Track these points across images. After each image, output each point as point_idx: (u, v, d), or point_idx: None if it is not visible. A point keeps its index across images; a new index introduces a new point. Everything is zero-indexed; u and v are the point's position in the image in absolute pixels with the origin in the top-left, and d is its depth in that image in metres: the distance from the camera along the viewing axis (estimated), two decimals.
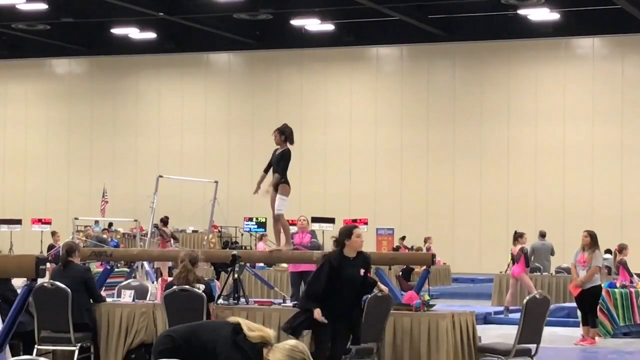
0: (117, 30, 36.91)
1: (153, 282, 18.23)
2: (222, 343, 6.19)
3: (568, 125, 34.59)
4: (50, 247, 28.99)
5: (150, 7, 33.17)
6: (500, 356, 11.09)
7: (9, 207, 38.62)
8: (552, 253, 25.23)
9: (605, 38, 34.65)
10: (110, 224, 32.08)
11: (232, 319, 6.35)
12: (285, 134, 13.28)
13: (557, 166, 34.51)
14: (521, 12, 32.94)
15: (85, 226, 30.82)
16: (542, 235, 25.74)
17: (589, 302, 16.31)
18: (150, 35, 37.28)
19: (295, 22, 34.90)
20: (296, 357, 6.02)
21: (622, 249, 19.58)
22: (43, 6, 33.33)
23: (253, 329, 6.10)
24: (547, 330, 11.71)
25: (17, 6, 33.29)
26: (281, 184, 13.20)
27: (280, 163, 13.30)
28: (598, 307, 16.60)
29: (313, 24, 35.14)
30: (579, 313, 16.68)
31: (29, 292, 8.13)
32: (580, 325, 16.58)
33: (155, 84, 39.40)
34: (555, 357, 14.81)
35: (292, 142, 13.28)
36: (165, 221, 26.40)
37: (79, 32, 37.70)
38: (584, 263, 16.16)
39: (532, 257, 24.69)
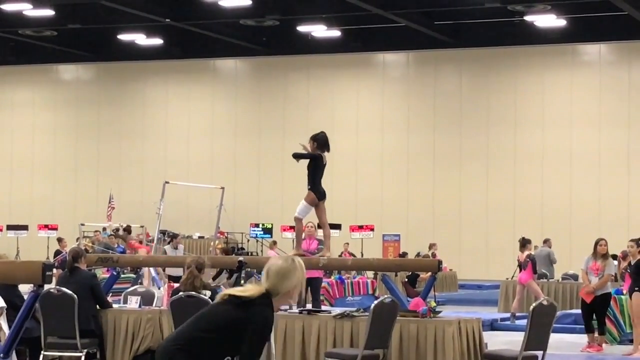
0: (123, 37, 36.96)
1: (159, 288, 18.22)
2: (239, 315, 5.93)
3: (575, 131, 34.56)
4: (57, 253, 29.01)
5: (156, 14, 33.21)
6: None
7: (16, 212, 38.68)
8: (553, 261, 25.21)
9: (612, 44, 34.62)
10: (117, 229, 32.01)
11: (220, 295, 6.15)
12: (317, 141, 13.05)
13: (564, 172, 34.47)
14: (528, 18, 32.92)
15: (95, 231, 30.82)
16: (544, 241, 25.77)
17: (599, 309, 16.31)
18: (157, 41, 37.33)
19: (302, 28, 34.92)
20: (289, 266, 6.01)
21: (626, 255, 19.55)
22: (50, 12, 33.39)
23: (248, 289, 6.03)
24: (554, 337, 11.69)
25: (24, 12, 33.35)
26: (308, 190, 13.12)
27: (308, 169, 13.13)
28: None
29: (319, 30, 35.15)
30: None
31: (35, 298, 8.13)
32: (586, 332, 16.56)
33: (162, 90, 39.44)
34: None
35: (322, 149, 12.97)
36: (128, 230, 26.52)
37: (86, 38, 37.77)
38: (596, 270, 16.17)
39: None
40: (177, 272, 20.67)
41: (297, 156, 13.14)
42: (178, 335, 6.00)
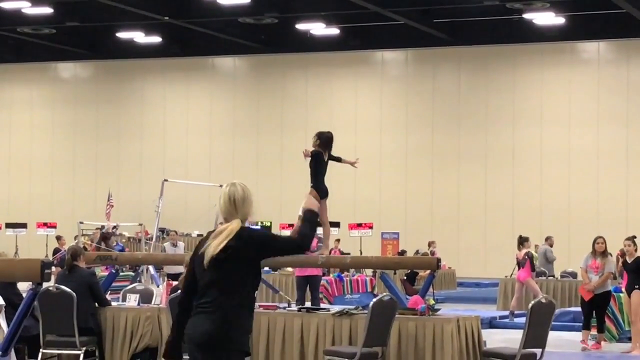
0: (122, 34, 36.94)
1: (158, 286, 18.22)
2: (246, 255, 6.32)
3: (573, 129, 34.56)
4: (56, 251, 29.00)
5: (155, 11, 33.19)
6: None
7: (15, 210, 38.66)
8: (550, 260, 25.25)
9: (611, 42, 34.62)
10: (115, 227, 32.01)
11: (209, 261, 6.34)
12: (320, 139, 13.05)
13: (562, 170, 34.48)
14: (526, 16, 32.92)
15: (97, 228, 30.78)
16: (546, 239, 25.82)
17: (599, 307, 16.32)
18: (156, 39, 37.31)
19: (301, 26, 34.91)
20: (244, 190, 6.52)
21: (624, 253, 19.55)
22: (48, 10, 33.37)
23: (225, 237, 6.30)
24: (553, 335, 11.70)
25: (22, 10, 33.33)
26: (311, 188, 13.10)
27: (310, 167, 13.13)
28: None
29: (318, 28, 35.14)
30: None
31: (34, 296, 8.14)
32: (582, 329, 16.56)
33: (160, 88, 39.43)
34: None
35: (324, 149, 12.98)
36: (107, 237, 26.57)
37: (85, 36, 37.75)
38: (596, 269, 16.18)
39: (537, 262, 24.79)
40: (176, 270, 20.68)
41: (312, 174, 13.08)
42: (220, 310, 6.22)
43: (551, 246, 26.32)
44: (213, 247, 6.28)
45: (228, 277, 6.28)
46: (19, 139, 40.66)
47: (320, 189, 13.10)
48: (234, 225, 6.33)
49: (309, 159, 12.93)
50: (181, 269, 20.79)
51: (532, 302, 11.34)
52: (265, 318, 11.45)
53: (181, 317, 6.45)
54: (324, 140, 13.14)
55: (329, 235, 13.78)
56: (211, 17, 34.02)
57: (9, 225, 35.31)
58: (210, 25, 34.99)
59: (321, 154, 13.10)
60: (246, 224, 6.47)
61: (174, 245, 22.90)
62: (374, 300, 10.95)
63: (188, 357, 6.41)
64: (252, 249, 6.30)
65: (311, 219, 6.48)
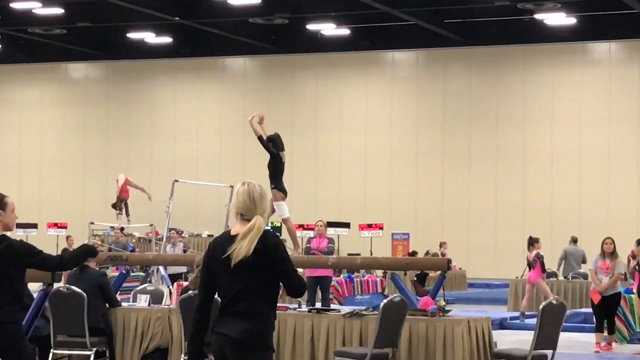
0: (133, 35, 36.98)
1: (169, 287, 18.22)
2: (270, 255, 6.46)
3: (584, 130, 34.48)
4: (64, 251, 29.02)
5: (166, 12, 33.22)
6: None
7: (25, 211, 38.62)
8: (584, 261, 25.10)
9: (622, 43, 34.53)
10: (122, 228, 32.03)
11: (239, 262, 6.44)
12: (272, 142, 13.82)
13: (573, 171, 34.40)
14: (537, 16, 32.86)
15: (111, 226, 30.75)
16: (574, 240, 25.73)
17: (609, 308, 16.29)
18: (166, 39, 37.34)
19: (311, 26, 34.90)
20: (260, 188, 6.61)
21: (635, 255, 19.51)
22: (59, 11, 33.42)
23: (251, 237, 6.43)
24: (563, 336, 11.68)
25: (33, 11, 33.38)
26: (272, 190, 13.52)
27: (269, 168, 13.85)
28: None
29: (329, 29, 35.12)
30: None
31: (45, 297, 8.16)
32: (595, 331, 16.53)
33: (170, 89, 39.45)
34: None
35: (277, 149, 13.64)
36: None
37: (95, 37, 37.80)
38: (606, 270, 16.15)
39: (563, 262, 24.76)
40: (177, 270, 20.67)
41: (271, 176, 13.89)
42: (249, 312, 6.34)
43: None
44: (245, 250, 6.34)
45: (258, 277, 6.40)
46: (29, 139, 40.72)
47: (282, 189, 13.65)
48: (259, 223, 6.44)
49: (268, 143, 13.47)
50: (182, 269, 20.82)
51: (543, 303, 11.33)
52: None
53: (202, 324, 6.53)
54: (278, 141, 13.81)
55: (295, 231, 14.20)
56: (222, 18, 34.04)
57: (19, 226, 35.25)
58: (220, 26, 35.00)
59: (279, 155, 13.68)
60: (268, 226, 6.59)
61: (173, 245, 22.80)
62: (385, 301, 10.94)
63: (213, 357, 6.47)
64: (270, 259, 6.44)
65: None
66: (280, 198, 13.67)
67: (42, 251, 7.02)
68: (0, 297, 6.83)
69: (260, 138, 14.18)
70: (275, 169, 13.56)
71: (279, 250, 6.47)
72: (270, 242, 6.43)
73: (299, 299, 18.21)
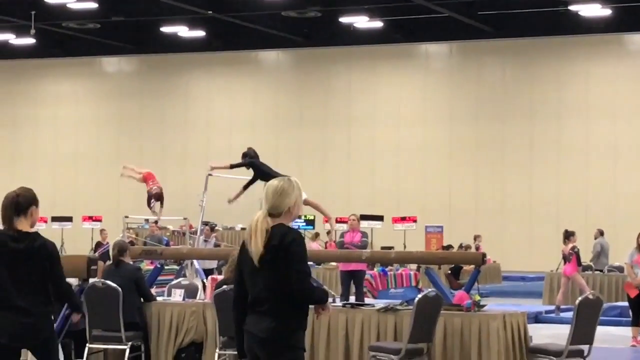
0: (166, 29, 37.08)
1: (203, 280, 18.27)
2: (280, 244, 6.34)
3: (619, 122, 34.24)
4: (98, 245, 29.19)
5: (199, 6, 33.28)
6: (552, 357, 10.99)
7: (60, 204, 38.92)
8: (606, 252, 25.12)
9: None
10: (156, 221, 32.15)
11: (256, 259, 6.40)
12: (248, 155, 14.36)
13: (608, 164, 34.18)
14: (572, 8, 32.64)
15: (145, 219, 30.82)
16: (602, 233, 25.62)
17: None
18: (200, 33, 37.41)
19: (344, 19, 34.85)
20: (284, 184, 6.47)
21: None
22: (93, 5, 33.55)
23: (258, 230, 6.38)
24: (599, 330, 11.59)
25: (67, 5, 33.53)
26: None
27: (260, 178, 14.37)
28: None
29: (362, 22, 35.06)
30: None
31: (80, 292, 8.20)
32: (632, 326, 16.43)
33: (204, 83, 39.53)
34: (608, 357, 14.66)
35: (246, 159, 14.18)
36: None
37: (129, 31, 37.92)
38: None
39: (600, 255, 24.65)
40: (210, 265, 20.69)
41: (232, 167, 14.73)
42: (272, 307, 6.26)
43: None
44: (254, 247, 6.33)
45: (276, 275, 6.30)
46: (64, 133, 40.94)
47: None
48: (255, 220, 6.43)
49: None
50: (214, 264, 20.88)
51: (579, 298, 11.26)
52: (310, 313, 11.40)
53: (239, 321, 6.50)
54: (252, 153, 14.15)
55: (318, 204, 14.40)
56: (254, 11, 34.05)
57: (55, 219, 35.60)
58: (253, 20, 35.02)
59: (255, 162, 14.10)
60: (290, 223, 6.45)
61: (206, 240, 22.77)
62: (419, 296, 10.91)
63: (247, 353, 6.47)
64: (284, 256, 6.29)
65: (323, 300, 6.53)
66: None
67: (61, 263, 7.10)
68: (32, 292, 6.88)
69: (231, 166, 14.94)
70: (263, 172, 13.97)
71: (292, 247, 6.27)
72: (287, 240, 6.28)
73: (333, 293, 18.20)
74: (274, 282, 6.29)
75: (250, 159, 14.03)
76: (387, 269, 24.79)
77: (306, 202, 13.85)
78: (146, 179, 24.54)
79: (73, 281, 10.56)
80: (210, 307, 11.52)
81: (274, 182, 6.48)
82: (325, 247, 25.17)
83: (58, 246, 31.24)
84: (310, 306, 6.53)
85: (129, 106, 40.22)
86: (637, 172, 33.81)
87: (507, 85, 35.73)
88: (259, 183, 14.59)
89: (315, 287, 6.51)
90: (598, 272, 23.93)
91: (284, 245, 6.27)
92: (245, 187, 15.03)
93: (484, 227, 33.62)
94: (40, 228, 31.25)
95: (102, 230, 30.43)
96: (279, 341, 6.27)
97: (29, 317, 6.80)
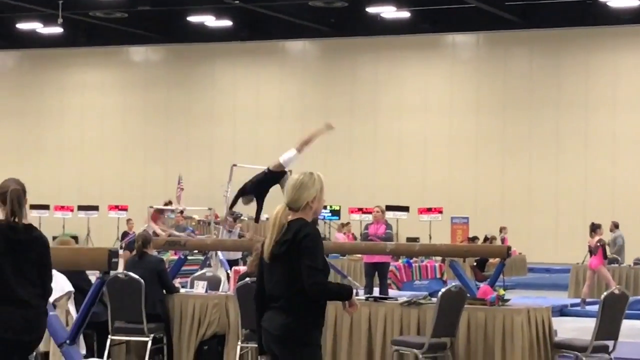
0: (193, 18, 37.09)
1: (227, 271, 18.27)
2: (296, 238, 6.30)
3: None
4: (124, 235, 29.28)
5: None
6: (577, 352, 10.91)
7: (87, 193, 39.07)
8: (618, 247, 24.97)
9: None
10: (182, 211, 32.23)
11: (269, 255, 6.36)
12: (245, 188, 14.22)
13: (635, 156, 33.92)
14: None
15: (170, 210, 30.91)
16: (617, 226, 25.48)
17: None
18: (226, 23, 37.40)
19: (371, 9, 34.75)
20: (304, 178, 6.46)
21: None
22: None
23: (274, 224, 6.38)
24: (625, 324, 11.49)
25: None
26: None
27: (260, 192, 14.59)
28: None
29: (389, 12, 34.94)
30: None
31: (102, 284, 8.21)
32: None
33: (230, 72, 39.51)
34: (633, 352, 14.53)
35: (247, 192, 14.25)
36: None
37: (156, 20, 37.94)
38: None
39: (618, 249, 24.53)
40: (233, 256, 20.63)
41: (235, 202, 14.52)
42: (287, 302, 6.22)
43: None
44: (268, 242, 6.28)
45: (290, 271, 6.25)
46: (90, 122, 41.05)
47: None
48: (275, 214, 6.35)
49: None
50: (238, 254, 20.86)
51: (605, 293, 11.16)
52: (333, 307, 11.34)
53: (260, 315, 6.46)
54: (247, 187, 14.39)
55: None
56: (281, 1, 34.00)
57: (81, 208, 35.78)
58: (280, 9, 34.96)
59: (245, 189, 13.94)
60: (309, 218, 6.37)
61: (229, 231, 22.73)
62: (443, 290, 10.84)
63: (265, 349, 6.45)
64: (297, 250, 6.23)
65: (341, 296, 6.50)
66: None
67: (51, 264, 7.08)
68: (31, 285, 6.88)
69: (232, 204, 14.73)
70: (257, 187, 13.99)
71: (304, 242, 6.18)
72: (300, 234, 6.20)
73: (357, 284, 18.11)
74: (287, 278, 6.22)
75: (240, 190, 14.04)
76: (411, 261, 24.71)
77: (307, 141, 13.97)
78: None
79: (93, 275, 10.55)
80: (233, 299, 11.51)
81: (294, 176, 6.46)
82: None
83: (84, 235, 31.46)
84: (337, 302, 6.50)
85: (155, 96, 40.26)
86: None
87: (534, 76, 35.52)
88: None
89: (330, 282, 6.39)
90: (626, 265, 23.80)
91: (297, 240, 6.20)
92: (231, 207, 15.14)
93: (510, 219, 33.47)
94: (67, 217, 31.37)
95: (128, 220, 30.51)
96: (293, 338, 6.21)
97: (30, 310, 6.81)
